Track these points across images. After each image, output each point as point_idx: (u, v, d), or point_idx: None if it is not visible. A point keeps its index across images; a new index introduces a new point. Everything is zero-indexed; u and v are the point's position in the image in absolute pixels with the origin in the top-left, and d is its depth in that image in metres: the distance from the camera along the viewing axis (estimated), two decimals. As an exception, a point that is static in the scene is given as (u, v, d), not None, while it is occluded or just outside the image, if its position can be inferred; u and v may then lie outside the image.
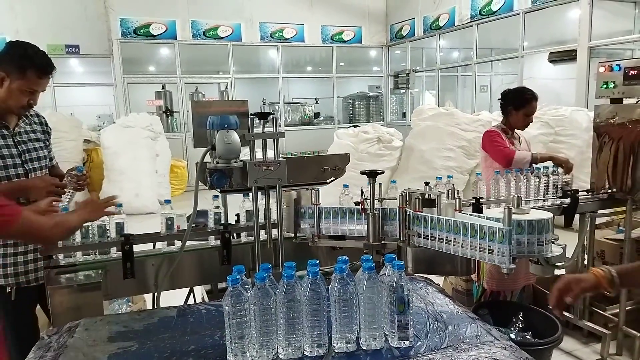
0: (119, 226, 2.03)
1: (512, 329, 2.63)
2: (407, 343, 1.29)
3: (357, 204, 1.98)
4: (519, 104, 3.11)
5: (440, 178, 2.53)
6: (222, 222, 2.17)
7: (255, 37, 10.28)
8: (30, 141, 2.12)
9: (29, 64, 1.93)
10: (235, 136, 1.72)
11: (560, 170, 2.92)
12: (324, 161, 2.08)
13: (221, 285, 2.28)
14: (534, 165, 3.01)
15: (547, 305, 3.13)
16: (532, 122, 3.20)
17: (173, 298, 2.18)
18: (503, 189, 2.64)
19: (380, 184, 1.97)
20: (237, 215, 2.24)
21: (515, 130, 3.25)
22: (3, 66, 1.94)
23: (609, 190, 2.94)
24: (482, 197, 2.57)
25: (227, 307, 1.22)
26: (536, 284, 3.31)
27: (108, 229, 1.99)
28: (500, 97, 3.26)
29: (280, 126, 10.05)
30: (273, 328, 1.24)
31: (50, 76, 2.03)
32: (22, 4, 8.69)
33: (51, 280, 1.82)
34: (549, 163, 2.99)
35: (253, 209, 1.86)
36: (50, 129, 2.30)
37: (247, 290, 1.25)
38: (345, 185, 2.29)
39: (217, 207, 2.17)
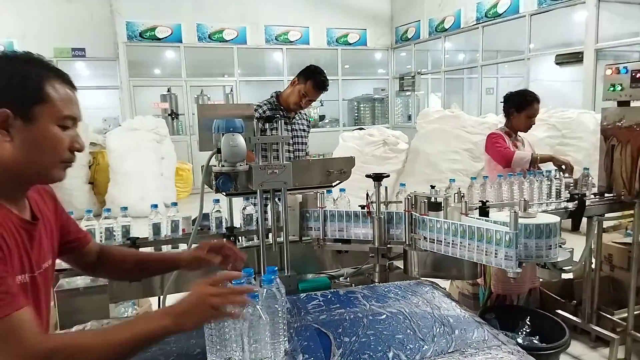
0: (125, 229, 2.05)
1: (519, 333, 2.61)
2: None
3: (362, 207, 1.97)
4: (520, 106, 3.13)
5: (453, 180, 2.55)
6: (227, 225, 2.17)
7: (261, 40, 10.32)
8: (297, 131, 3.06)
9: (311, 77, 2.86)
10: (240, 139, 1.72)
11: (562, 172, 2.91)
12: (329, 164, 2.08)
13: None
14: (542, 168, 2.99)
15: (554, 309, 3.12)
16: (534, 124, 3.21)
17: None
18: (507, 192, 2.62)
19: (386, 187, 1.96)
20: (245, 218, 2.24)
21: (519, 133, 3.25)
22: (298, 75, 2.91)
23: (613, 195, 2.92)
24: (488, 201, 2.55)
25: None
26: (543, 287, 3.28)
27: (114, 232, 2.01)
28: (502, 100, 3.27)
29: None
30: (280, 330, 1.24)
31: (323, 91, 2.93)
32: (29, 9, 8.76)
33: (58, 283, 1.82)
34: (552, 166, 2.97)
35: (259, 213, 1.86)
36: (310, 127, 3.29)
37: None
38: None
39: (218, 211, 2.17)
